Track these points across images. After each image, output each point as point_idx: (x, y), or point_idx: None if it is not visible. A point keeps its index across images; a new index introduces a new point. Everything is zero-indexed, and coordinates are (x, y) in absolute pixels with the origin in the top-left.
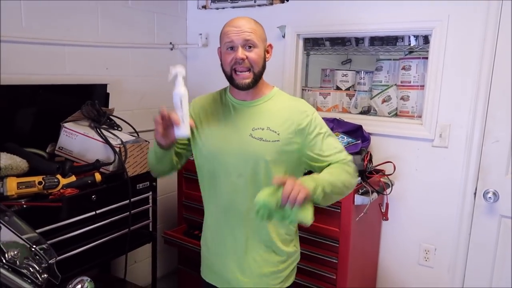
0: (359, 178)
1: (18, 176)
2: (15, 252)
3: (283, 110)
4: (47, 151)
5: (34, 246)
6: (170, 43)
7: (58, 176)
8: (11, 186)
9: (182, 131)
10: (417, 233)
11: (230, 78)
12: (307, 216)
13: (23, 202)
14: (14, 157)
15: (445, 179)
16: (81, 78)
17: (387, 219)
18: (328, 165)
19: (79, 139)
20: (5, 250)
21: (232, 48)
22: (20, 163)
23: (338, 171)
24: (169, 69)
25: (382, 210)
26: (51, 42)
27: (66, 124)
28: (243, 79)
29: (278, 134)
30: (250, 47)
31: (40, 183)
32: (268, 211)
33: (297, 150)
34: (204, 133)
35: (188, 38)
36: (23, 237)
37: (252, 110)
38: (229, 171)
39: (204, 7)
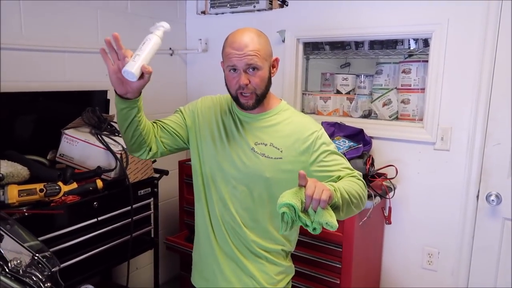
0: None
1: (19, 183)
2: (18, 261)
3: (289, 126)
4: (48, 158)
5: (37, 255)
6: (170, 48)
7: (60, 183)
8: (12, 194)
9: (130, 66)
10: (420, 236)
11: (235, 99)
12: (333, 219)
13: (24, 210)
14: (15, 164)
15: (447, 182)
16: (81, 85)
17: (390, 223)
18: (337, 179)
19: (80, 146)
20: (8, 259)
21: (235, 70)
22: (21, 170)
23: (350, 182)
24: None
25: (385, 214)
26: (50, 49)
27: (67, 131)
28: (247, 101)
29: (281, 151)
30: (254, 69)
31: (41, 190)
32: (292, 215)
33: (301, 169)
34: (206, 135)
35: (188, 44)
36: (26, 245)
37: (256, 124)
38: (227, 179)
39: (203, 12)
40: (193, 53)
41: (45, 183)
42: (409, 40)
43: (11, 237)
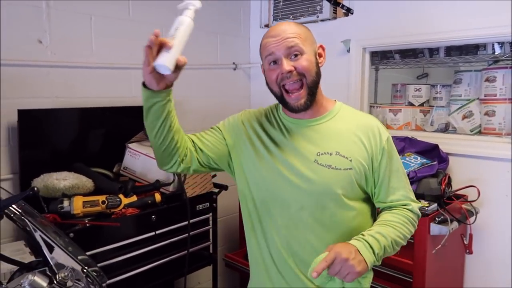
0: (436, 204)
1: (84, 195)
2: (66, 274)
3: (353, 130)
4: (113, 171)
5: (86, 268)
6: (233, 63)
7: (121, 195)
8: (78, 205)
9: (164, 60)
10: (509, 270)
11: (281, 100)
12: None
13: (86, 221)
14: (81, 176)
15: None
16: None
17: (471, 252)
18: (389, 207)
19: (141, 159)
20: (56, 271)
21: (275, 62)
22: (86, 182)
23: (401, 221)
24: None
25: (465, 242)
26: (118, 66)
27: (130, 145)
28: (298, 100)
29: (351, 160)
30: (296, 55)
31: (103, 202)
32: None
33: (370, 178)
34: (255, 156)
35: (251, 57)
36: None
37: (313, 131)
38: (287, 203)
39: (267, 25)
40: (257, 66)
41: (107, 195)
42: (493, 44)
43: (62, 249)
